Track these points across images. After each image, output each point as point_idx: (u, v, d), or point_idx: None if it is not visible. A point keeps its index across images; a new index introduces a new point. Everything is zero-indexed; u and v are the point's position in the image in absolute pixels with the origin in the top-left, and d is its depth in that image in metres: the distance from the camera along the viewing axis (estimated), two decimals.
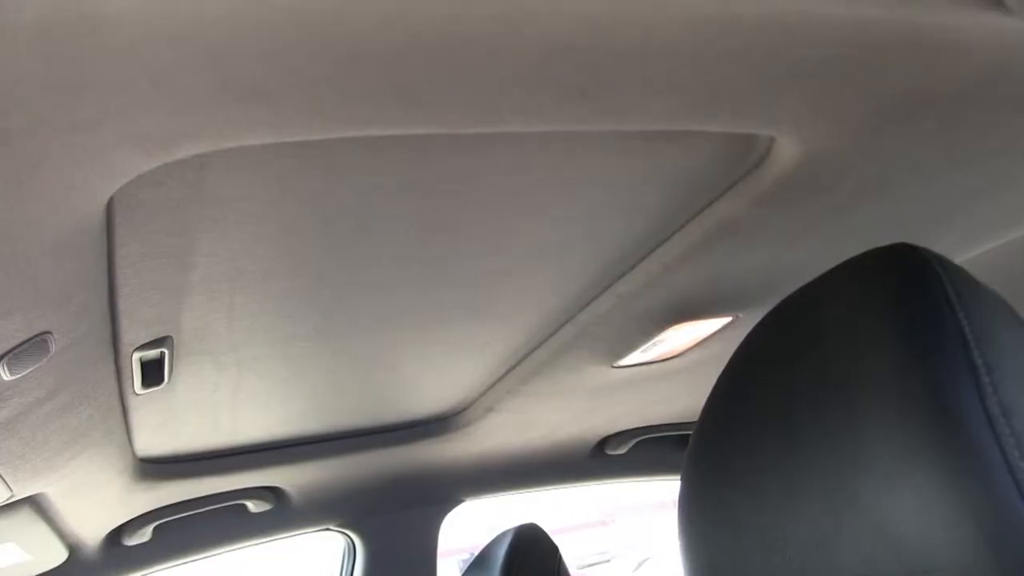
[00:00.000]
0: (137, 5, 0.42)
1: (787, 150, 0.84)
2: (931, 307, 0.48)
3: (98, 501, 1.41)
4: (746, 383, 0.60)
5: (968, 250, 1.17)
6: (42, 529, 1.35)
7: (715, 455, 0.61)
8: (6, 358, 0.77)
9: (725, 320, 1.32)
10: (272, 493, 1.73)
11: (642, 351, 1.38)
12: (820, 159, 0.85)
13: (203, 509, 1.65)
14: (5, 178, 0.55)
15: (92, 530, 1.53)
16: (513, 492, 2.02)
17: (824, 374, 0.52)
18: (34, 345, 0.78)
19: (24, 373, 0.82)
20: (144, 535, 1.62)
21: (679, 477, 0.67)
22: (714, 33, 0.59)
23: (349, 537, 1.89)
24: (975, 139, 0.85)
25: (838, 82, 0.70)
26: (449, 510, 1.95)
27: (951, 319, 0.47)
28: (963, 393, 0.45)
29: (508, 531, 1.64)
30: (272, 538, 1.81)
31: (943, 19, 0.59)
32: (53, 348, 0.81)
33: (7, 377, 0.80)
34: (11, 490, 1.11)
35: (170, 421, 1.33)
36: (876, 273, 0.53)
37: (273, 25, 0.48)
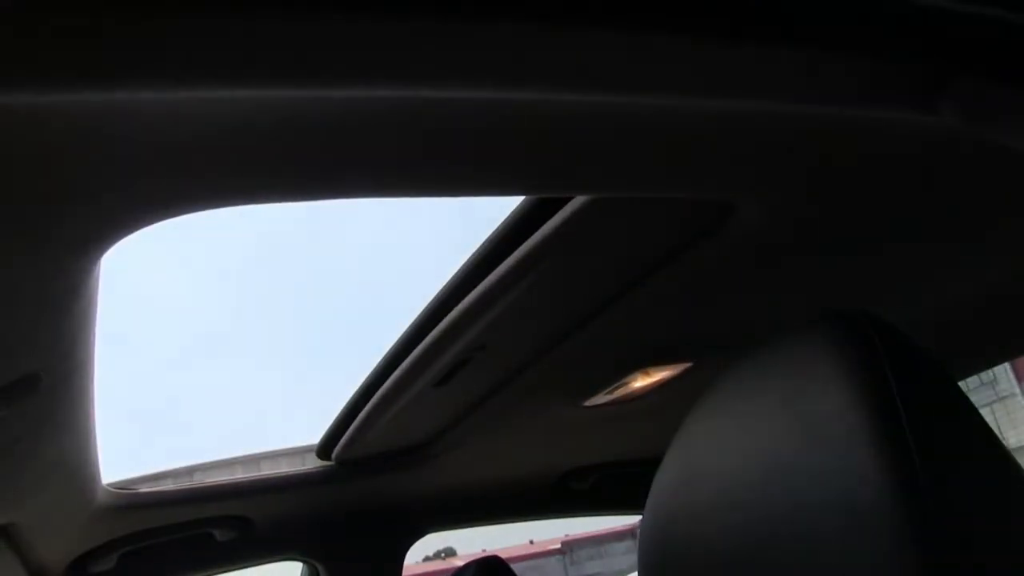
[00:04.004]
0: (157, 98, 0.47)
1: (746, 214, 0.89)
2: (868, 372, 0.52)
3: (65, 529, 1.41)
4: (710, 425, 0.64)
5: (912, 306, 1.25)
6: (6, 558, 1.35)
7: (679, 492, 0.64)
8: None
9: (687, 365, 1.37)
10: (239, 522, 1.74)
11: (607, 393, 1.43)
12: (776, 223, 0.91)
13: (169, 537, 1.65)
14: (15, 238, 0.59)
15: (57, 558, 1.52)
16: (477, 524, 2.04)
17: (782, 424, 0.56)
18: (24, 384, 0.81)
19: (11, 410, 0.84)
20: (109, 563, 1.61)
21: (641, 513, 0.70)
22: (680, 121, 0.65)
23: (313, 566, 1.90)
24: (915, 213, 0.92)
25: (790, 160, 0.77)
26: (413, 541, 1.97)
27: (884, 385, 0.51)
28: (895, 457, 0.48)
29: (470, 563, 1.66)
30: (237, 566, 1.81)
31: (884, 116, 0.65)
32: (41, 386, 0.84)
33: None
34: None
35: None
36: (823, 336, 0.57)
37: (269, 113, 0.54)
